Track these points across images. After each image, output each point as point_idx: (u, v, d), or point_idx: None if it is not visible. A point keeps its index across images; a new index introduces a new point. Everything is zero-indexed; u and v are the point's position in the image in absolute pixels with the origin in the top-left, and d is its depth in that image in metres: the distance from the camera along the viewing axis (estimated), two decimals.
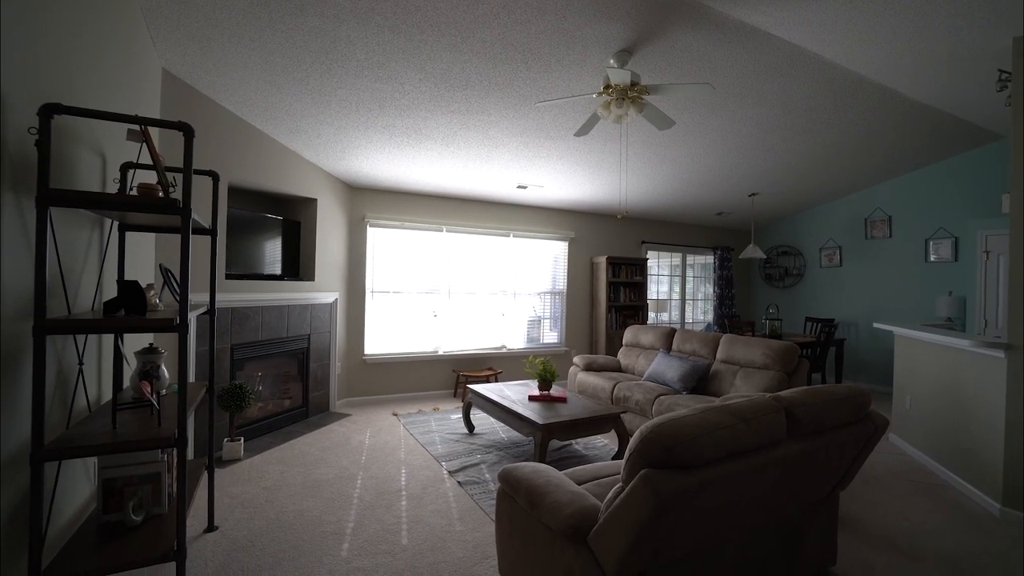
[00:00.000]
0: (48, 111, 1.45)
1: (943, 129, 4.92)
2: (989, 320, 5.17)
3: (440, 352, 6.15)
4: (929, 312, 6.17)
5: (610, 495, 1.67)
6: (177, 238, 2.92)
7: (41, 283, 1.44)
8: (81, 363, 1.91)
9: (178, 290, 2.16)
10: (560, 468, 2.52)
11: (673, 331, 5.38)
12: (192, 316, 2.36)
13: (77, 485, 1.98)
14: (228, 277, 4.00)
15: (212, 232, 2.50)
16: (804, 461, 1.92)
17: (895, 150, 5.47)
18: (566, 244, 7.10)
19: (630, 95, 3.11)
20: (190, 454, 3.50)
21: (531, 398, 4.05)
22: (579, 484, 2.12)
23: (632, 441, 1.63)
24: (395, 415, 5.15)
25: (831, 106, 4.15)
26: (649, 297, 7.75)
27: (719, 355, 4.74)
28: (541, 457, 3.36)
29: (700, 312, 8.69)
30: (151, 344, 2.04)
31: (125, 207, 1.65)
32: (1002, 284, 4.97)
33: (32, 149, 1.51)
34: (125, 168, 2.15)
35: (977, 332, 5.20)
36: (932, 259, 6.23)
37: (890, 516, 2.99)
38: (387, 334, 5.89)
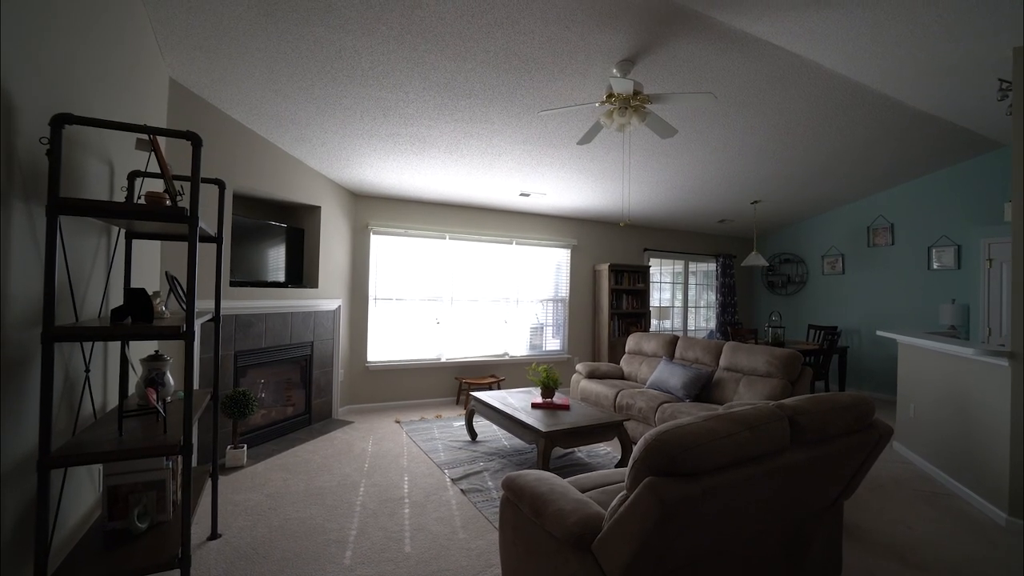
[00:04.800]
0: (59, 121, 1.47)
1: (945, 137, 4.94)
2: (993, 328, 5.15)
3: (443, 359, 6.15)
4: (932, 320, 6.16)
5: (614, 503, 1.67)
6: (182, 246, 2.94)
7: (50, 290, 1.45)
8: (88, 370, 1.92)
9: (184, 297, 2.17)
10: (563, 476, 2.51)
11: (676, 339, 5.37)
12: (197, 323, 2.37)
13: (82, 492, 1.99)
14: (232, 284, 4.02)
15: (218, 240, 2.52)
16: (808, 469, 1.91)
17: (897, 158, 5.48)
18: (568, 251, 7.12)
19: (632, 104, 3.14)
20: (193, 461, 3.50)
21: (534, 405, 4.04)
22: (583, 492, 2.12)
23: (636, 449, 1.63)
24: (398, 422, 5.14)
25: (833, 115, 4.17)
26: (651, 304, 7.75)
27: (722, 363, 4.73)
28: (544, 465, 3.35)
29: (703, 320, 8.68)
30: (156, 351, 2.06)
31: (133, 215, 1.67)
32: (1006, 292, 4.96)
33: (43, 158, 1.53)
34: (133, 176, 2.17)
35: (981, 340, 5.19)
36: (935, 267, 6.23)
37: (895, 525, 2.98)
38: (390, 341, 5.89)
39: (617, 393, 4.78)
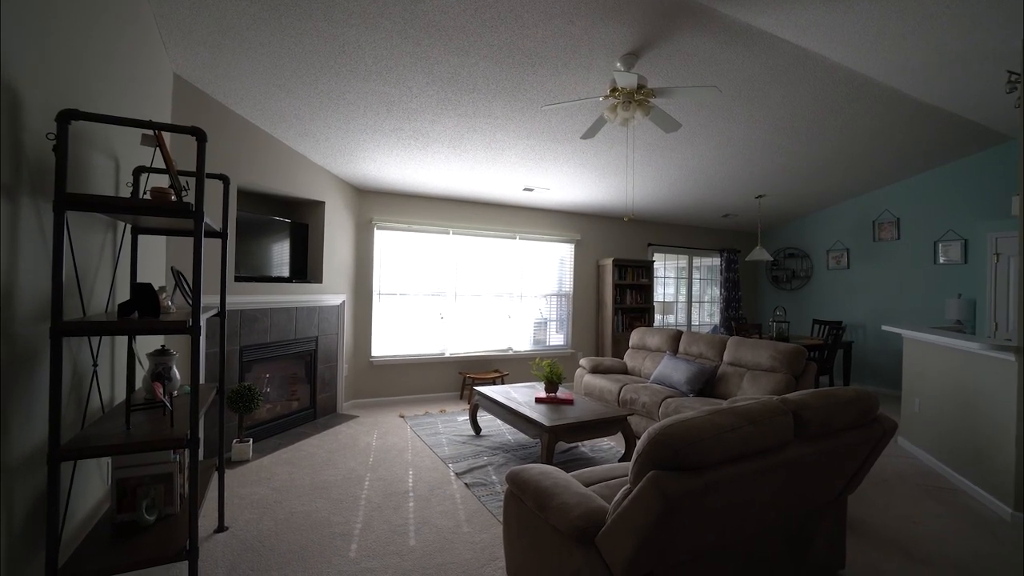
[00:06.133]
0: (66, 117, 1.48)
1: (951, 130, 4.90)
2: (1000, 323, 5.13)
3: (447, 354, 6.17)
4: (938, 315, 6.12)
5: (618, 497, 1.67)
6: (188, 241, 2.95)
7: (58, 286, 1.47)
8: (95, 364, 1.94)
9: (190, 292, 2.18)
10: (567, 470, 2.52)
11: (679, 333, 5.37)
12: (203, 318, 2.38)
13: (91, 485, 2.01)
14: (237, 280, 4.04)
15: (223, 235, 2.53)
16: (812, 464, 1.91)
17: (903, 152, 5.44)
18: (572, 246, 7.11)
19: (636, 98, 3.12)
20: (200, 455, 3.52)
21: (538, 400, 4.05)
22: (586, 486, 2.13)
23: (640, 443, 1.63)
24: (402, 417, 5.17)
25: (838, 108, 4.14)
26: (655, 299, 7.74)
27: (726, 357, 4.73)
28: (548, 459, 3.36)
29: (706, 314, 8.66)
30: (163, 346, 2.07)
31: (139, 211, 1.68)
32: (1013, 287, 4.93)
33: (49, 154, 1.53)
34: (138, 172, 2.18)
35: (987, 335, 5.16)
36: (941, 261, 6.19)
37: (899, 520, 2.98)
38: (394, 336, 5.91)
39: (621, 388, 4.79)
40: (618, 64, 3.25)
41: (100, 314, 1.93)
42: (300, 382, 4.89)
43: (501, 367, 6.50)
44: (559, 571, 1.83)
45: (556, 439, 3.42)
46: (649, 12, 2.79)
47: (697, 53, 3.22)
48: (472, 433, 4.58)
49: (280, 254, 4.62)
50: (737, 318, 8.09)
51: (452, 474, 3.61)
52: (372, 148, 4.55)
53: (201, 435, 3.44)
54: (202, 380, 3.63)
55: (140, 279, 2.31)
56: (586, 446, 4.31)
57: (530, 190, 5.94)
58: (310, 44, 2.98)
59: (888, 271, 6.80)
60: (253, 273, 4.29)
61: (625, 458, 3.84)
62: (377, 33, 2.90)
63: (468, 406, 5.58)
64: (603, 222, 7.38)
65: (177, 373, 2.06)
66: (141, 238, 2.31)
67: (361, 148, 4.55)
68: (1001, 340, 3.78)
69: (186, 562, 1.66)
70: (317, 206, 5.02)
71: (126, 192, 2.23)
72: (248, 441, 3.84)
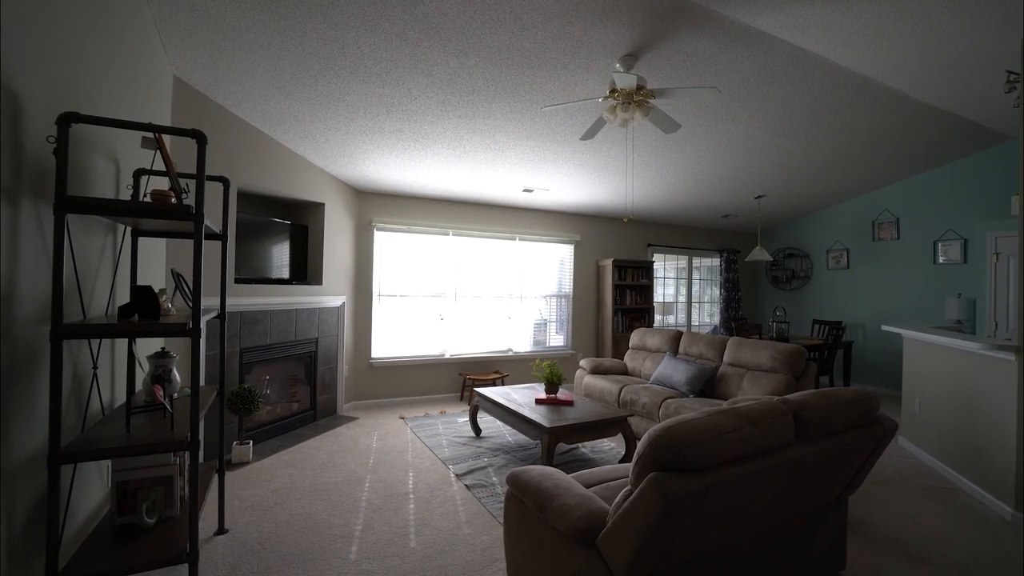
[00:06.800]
0: (66, 120, 1.48)
1: (951, 131, 4.90)
2: (1000, 322, 5.13)
3: (447, 355, 6.17)
4: (938, 314, 6.12)
5: (618, 498, 1.67)
6: (188, 243, 2.95)
7: (58, 288, 1.47)
8: (96, 367, 1.94)
9: (190, 295, 2.18)
10: (567, 471, 2.52)
11: (680, 334, 5.37)
12: (203, 320, 2.39)
13: (91, 487, 2.01)
14: (237, 281, 4.04)
15: (223, 237, 2.53)
16: (812, 464, 1.91)
17: (903, 152, 5.45)
18: (572, 247, 7.11)
19: (636, 99, 3.12)
20: (200, 457, 3.52)
21: (538, 401, 4.05)
22: (587, 487, 2.13)
23: (640, 444, 1.63)
24: (402, 418, 5.16)
25: (838, 108, 4.15)
26: (655, 300, 7.74)
27: (726, 358, 4.72)
28: (548, 460, 3.36)
29: (706, 315, 8.66)
30: (163, 348, 2.07)
31: (140, 213, 1.68)
32: (1012, 286, 4.93)
33: (50, 157, 1.54)
34: (138, 174, 2.18)
35: (987, 335, 5.16)
36: (941, 261, 6.19)
37: (900, 520, 2.97)
38: (394, 337, 5.91)
39: (621, 389, 4.79)
40: (617, 65, 3.25)
41: (100, 317, 1.93)
42: (300, 384, 4.89)
43: (501, 368, 6.50)
44: (560, 572, 1.83)
45: (556, 440, 3.41)
46: (648, 13, 2.80)
47: (696, 54, 3.22)
48: (472, 434, 4.58)
49: (280, 256, 4.63)
50: (737, 318, 8.09)
51: (452, 476, 3.60)
52: (372, 150, 4.56)
53: (201, 437, 3.44)
54: (202, 382, 3.63)
55: (140, 281, 2.31)
56: (586, 447, 4.31)
57: (530, 191, 5.94)
58: (310, 46, 2.99)
59: (888, 271, 6.80)
60: (253, 275, 4.29)
61: (626, 459, 3.84)
62: (377, 35, 2.90)
63: (468, 407, 5.58)
64: (603, 223, 7.38)
65: (177, 375, 2.06)
66: (141, 240, 2.31)
67: (361, 150, 4.55)
68: (1001, 340, 3.78)
69: (186, 565, 1.66)
70: (317, 208, 5.02)
71: (126, 195, 2.23)
72: (248, 443, 3.84)
